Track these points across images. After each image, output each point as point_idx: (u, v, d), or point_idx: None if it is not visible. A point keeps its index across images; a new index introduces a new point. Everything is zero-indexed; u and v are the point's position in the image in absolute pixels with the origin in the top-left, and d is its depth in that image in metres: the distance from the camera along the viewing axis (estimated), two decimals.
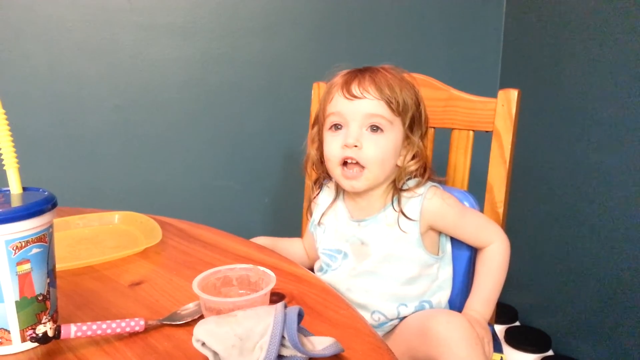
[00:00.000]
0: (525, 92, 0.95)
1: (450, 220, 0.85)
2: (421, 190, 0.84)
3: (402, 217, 0.83)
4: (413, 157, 0.85)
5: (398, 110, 0.81)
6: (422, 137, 0.87)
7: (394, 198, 0.84)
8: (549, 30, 1.56)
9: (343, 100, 0.82)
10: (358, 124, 0.81)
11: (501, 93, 0.92)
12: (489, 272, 0.85)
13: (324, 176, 0.94)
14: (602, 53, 1.36)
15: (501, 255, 0.86)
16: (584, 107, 1.43)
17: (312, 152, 0.91)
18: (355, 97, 0.80)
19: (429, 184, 0.86)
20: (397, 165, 0.85)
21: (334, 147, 0.83)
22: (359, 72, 0.83)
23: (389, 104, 0.80)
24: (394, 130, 0.82)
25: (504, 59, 1.78)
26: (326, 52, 1.57)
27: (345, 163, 0.82)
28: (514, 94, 0.91)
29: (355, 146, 0.80)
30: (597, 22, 1.37)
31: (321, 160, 0.89)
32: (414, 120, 0.84)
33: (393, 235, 0.83)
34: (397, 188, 0.85)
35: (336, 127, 0.83)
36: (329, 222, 0.91)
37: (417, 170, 0.85)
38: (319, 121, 0.89)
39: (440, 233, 0.88)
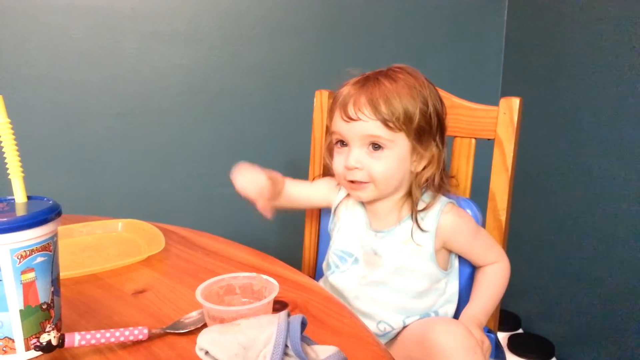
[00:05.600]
0: (527, 99, 0.95)
1: (465, 239, 0.85)
2: (438, 206, 0.83)
3: (417, 230, 0.82)
4: (427, 164, 0.83)
5: (397, 126, 0.78)
6: (441, 143, 0.83)
7: (412, 213, 0.83)
8: (551, 38, 1.56)
9: (341, 121, 0.81)
10: (358, 145, 0.80)
11: (503, 101, 0.92)
12: (491, 285, 0.86)
13: None
14: (603, 60, 1.36)
15: (504, 273, 0.87)
16: (585, 114, 1.43)
17: (328, 160, 0.91)
18: (351, 119, 0.79)
19: (445, 199, 0.84)
20: (411, 172, 0.83)
21: (338, 164, 0.84)
22: (357, 89, 0.81)
23: (385, 123, 0.78)
24: (397, 146, 0.80)
25: (506, 67, 1.78)
26: (328, 59, 1.58)
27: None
28: (515, 102, 0.91)
29: (357, 168, 0.81)
30: (598, 29, 1.37)
31: None
32: (421, 130, 0.80)
33: (407, 249, 0.83)
34: (413, 200, 0.83)
35: (342, 143, 0.84)
36: (346, 223, 0.90)
37: (431, 177, 0.83)
38: (329, 132, 0.89)
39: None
